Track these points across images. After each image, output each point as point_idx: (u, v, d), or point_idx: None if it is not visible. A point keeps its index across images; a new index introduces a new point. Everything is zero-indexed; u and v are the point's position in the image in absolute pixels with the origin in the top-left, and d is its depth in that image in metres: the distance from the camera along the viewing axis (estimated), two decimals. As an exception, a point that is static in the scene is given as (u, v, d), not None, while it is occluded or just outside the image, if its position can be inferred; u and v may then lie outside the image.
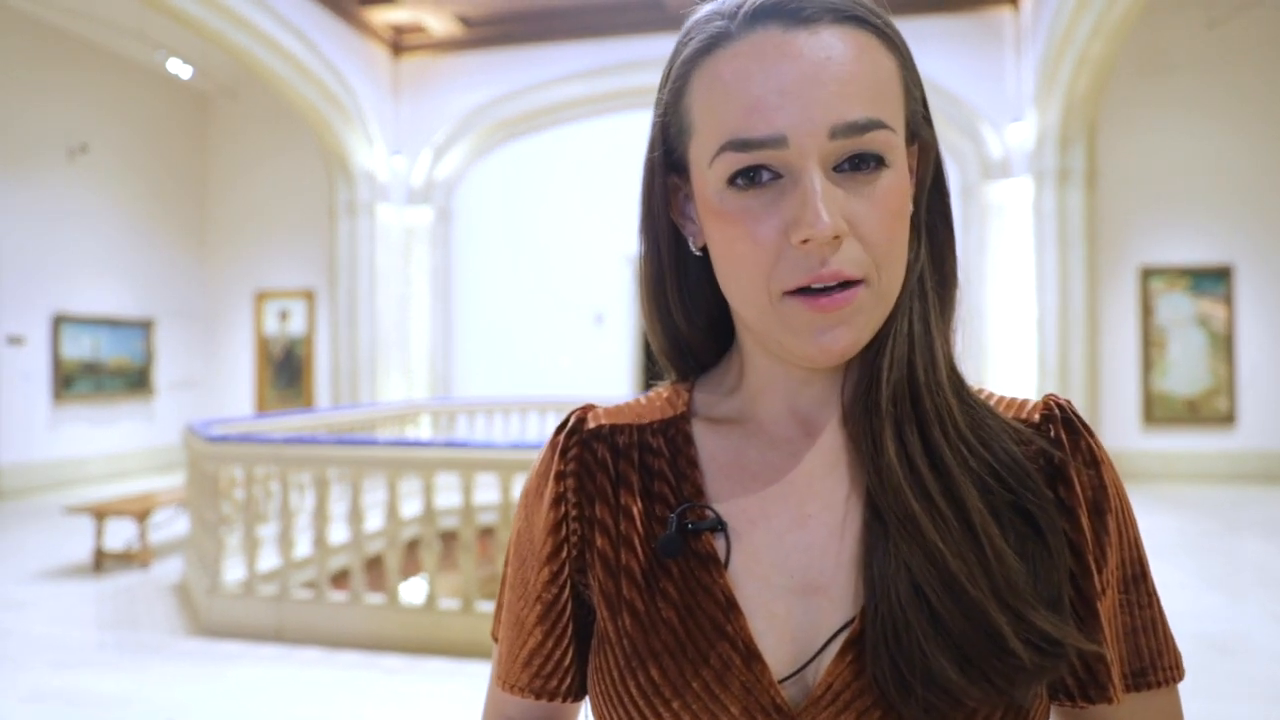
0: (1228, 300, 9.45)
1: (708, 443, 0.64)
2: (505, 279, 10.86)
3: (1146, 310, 9.56)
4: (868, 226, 0.54)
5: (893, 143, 0.55)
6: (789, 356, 0.58)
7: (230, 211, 12.24)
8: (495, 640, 0.70)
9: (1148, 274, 9.55)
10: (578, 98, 10.45)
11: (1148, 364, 9.56)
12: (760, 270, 0.55)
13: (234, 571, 4.87)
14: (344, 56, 9.85)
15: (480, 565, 4.38)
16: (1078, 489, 0.59)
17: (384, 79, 10.66)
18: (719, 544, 0.60)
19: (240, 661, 4.23)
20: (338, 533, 5.46)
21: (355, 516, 4.56)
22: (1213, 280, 9.47)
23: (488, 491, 6.29)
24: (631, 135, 10.41)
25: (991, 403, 0.64)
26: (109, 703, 3.73)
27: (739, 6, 0.56)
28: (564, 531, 0.64)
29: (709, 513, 0.60)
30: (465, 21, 10.28)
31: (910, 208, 0.58)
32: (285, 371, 11.89)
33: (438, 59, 10.79)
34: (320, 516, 4.60)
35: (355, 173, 10.35)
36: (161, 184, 11.56)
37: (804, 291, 0.54)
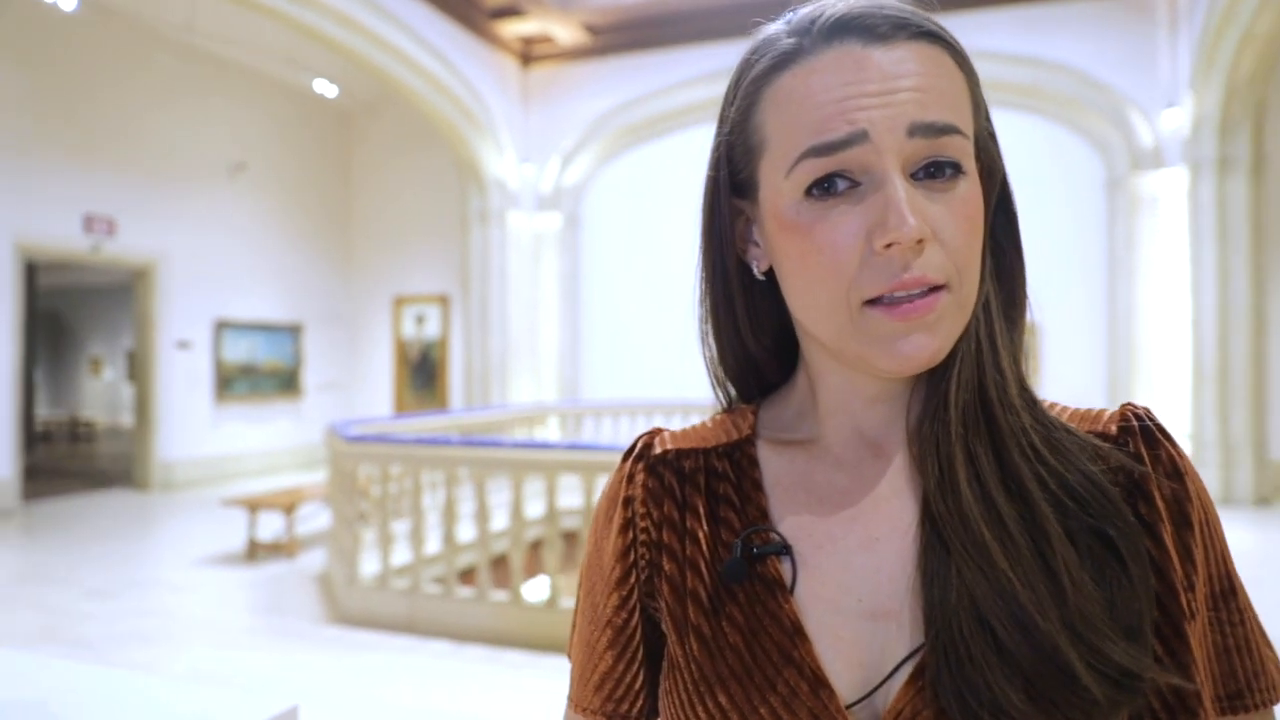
0: None
1: (773, 465, 0.64)
2: (631, 283, 10.98)
3: (1323, 309, 8.71)
4: (948, 232, 0.53)
5: (967, 150, 0.54)
6: (868, 369, 0.56)
7: (371, 221, 12.91)
8: (570, 659, 0.71)
9: (1324, 269, 8.70)
10: (701, 101, 10.45)
11: (1324, 367, 8.71)
12: (841, 279, 0.54)
13: (370, 565, 5.12)
14: (476, 69, 10.23)
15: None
16: (1159, 504, 0.56)
17: (514, 89, 10.99)
18: (785, 568, 0.59)
19: (374, 650, 4.45)
20: (465, 531, 5.66)
21: (481, 515, 4.71)
22: (1403, 275, 8.54)
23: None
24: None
25: (1064, 417, 0.61)
26: (255, 682, 4.00)
27: (812, 24, 0.56)
28: (632, 557, 0.64)
29: (774, 536, 0.60)
30: (591, 30, 10.47)
31: (984, 218, 0.56)
32: (421, 373, 12.43)
33: (565, 68, 11.04)
34: (449, 515, 4.78)
35: (487, 181, 10.71)
36: (309, 197, 12.33)
37: (884, 301, 0.53)
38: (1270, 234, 8.39)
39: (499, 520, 5.79)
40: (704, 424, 0.70)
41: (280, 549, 6.55)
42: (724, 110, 0.62)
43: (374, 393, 12.81)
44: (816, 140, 0.53)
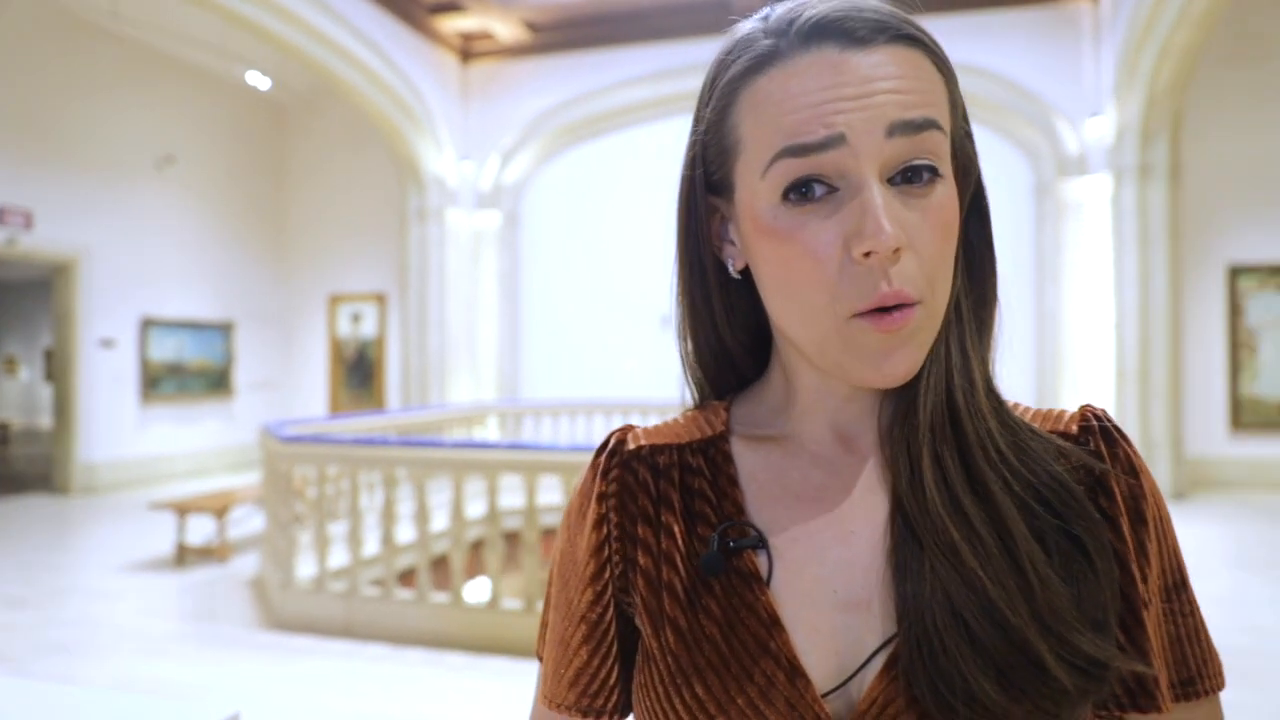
0: (1324, 300, 8.97)
1: (747, 461, 0.64)
2: (571, 282, 10.96)
3: (1235, 310, 9.14)
4: (923, 240, 0.53)
5: (944, 149, 0.55)
6: (845, 377, 0.57)
7: (305, 218, 12.63)
8: (540, 659, 0.71)
9: (1236, 272, 9.13)
10: (643, 101, 10.48)
11: (1236, 367, 9.14)
12: (824, 289, 0.54)
13: (306, 568, 5.02)
14: (415, 65, 10.08)
15: (543, 566, 4.42)
16: (1119, 499, 0.59)
17: (453, 86, 10.87)
18: (761, 561, 0.60)
19: (311, 655, 4.36)
20: (405, 532, 5.58)
21: (421, 516, 4.65)
22: (1308, 279, 9.00)
23: (551, 493, 6.35)
24: (696, 137, 10.41)
25: (1027, 418, 0.63)
26: (189, 691, 3.88)
27: (789, 25, 0.55)
28: (606, 552, 0.64)
29: (750, 530, 0.61)
30: (532, 27, 10.41)
31: (958, 223, 0.57)
32: (357, 373, 12.21)
33: (505, 65, 10.95)
34: (388, 516, 4.71)
35: (425, 178, 10.57)
36: (242, 192, 12.01)
37: (872, 312, 0.53)
38: (1187, 239, 8.77)
39: (439, 521, 5.72)
40: (676, 420, 0.70)
41: (211, 553, 6.37)
42: (699, 110, 0.62)
43: (308, 392, 12.54)
44: (792, 141, 0.53)
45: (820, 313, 0.54)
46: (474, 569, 5.81)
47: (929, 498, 0.56)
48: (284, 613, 4.82)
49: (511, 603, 4.49)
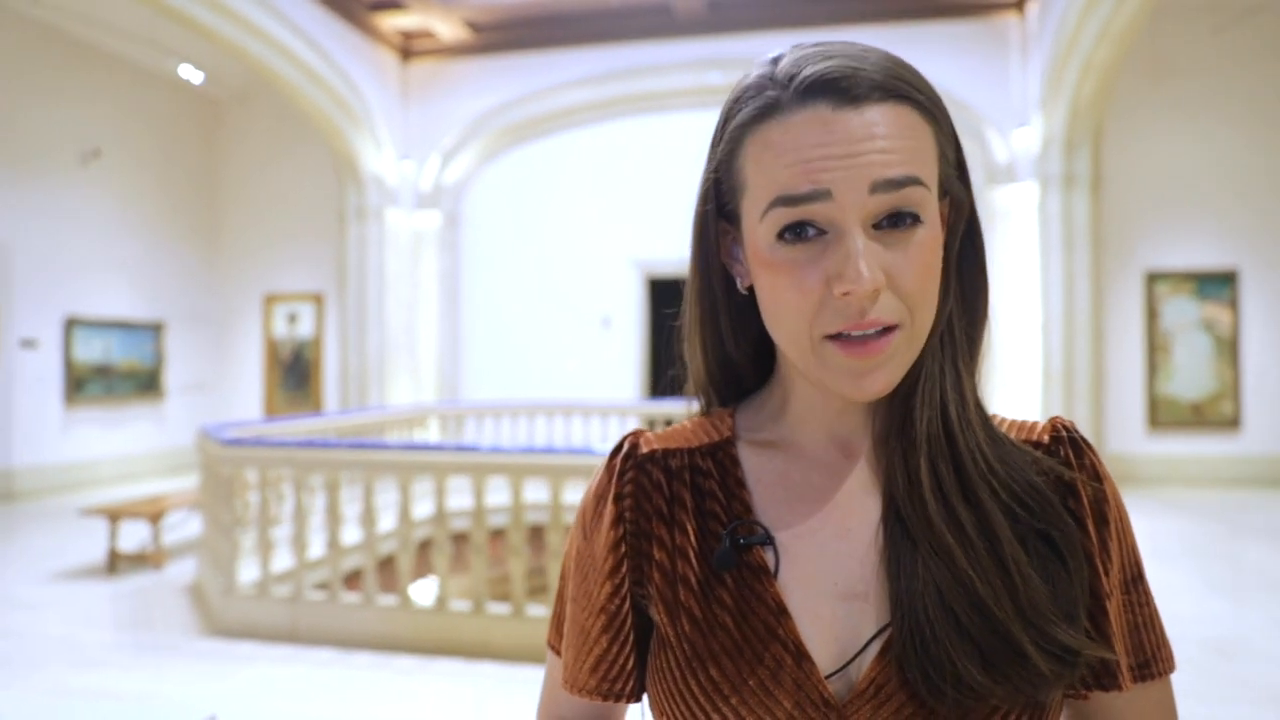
0: (1233, 304, 9.48)
1: (753, 464, 0.71)
2: (513, 283, 10.93)
3: (1152, 314, 9.59)
4: (903, 278, 0.59)
5: (926, 199, 0.60)
6: (828, 390, 0.64)
7: (240, 215, 12.34)
8: (551, 648, 0.78)
9: (1153, 278, 9.58)
10: (585, 103, 10.51)
11: (1153, 368, 9.59)
12: (804, 316, 0.61)
13: (248, 572, 4.94)
14: (353, 62, 9.94)
15: (491, 567, 4.44)
16: (1085, 502, 0.67)
17: (393, 84, 10.75)
18: (768, 556, 0.66)
19: (254, 662, 4.29)
20: (350, 534, 5.52)
21: (368, 519, 4.62)
22: (1218, 284, 9.50)
23: (498, 494, 6.35)
24: (638, 140, 10.48)
25: (1004, 428, 0.71)
26: (128, 701, 3.79)
27: (790, 80, 0.60)
28: (623, 549, 0.70)
29: (758, 528, 0.67)
30: (473, 27, 10.35)
31: (941, 258, 0.63)
32: (294, 374, 11.97)
33: (446, 64, 10.87)
34: (333, 518, 4.67)
35: (364, 177, 10.43)
36: (172, 188, 11.67)
37: (841, 338, 0.60)
38: (1108, 246, 9.17)
39: (386, 522, 5.68)
40: (684, 425, 0.76)
41: (146, 560, 6.20)
42: (712, 148, 0.68)
43: (243, 394, 12.24)
44: (784, 192, 0.59)
45: (800, 335, 0.61)
46: (421, 570, 5.78)
47: (927, 504, 0.63)
48: (225, 619, 4.74)
49: (460, 604, 4.48)
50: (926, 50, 9.20)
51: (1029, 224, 9.00)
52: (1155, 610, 0.70)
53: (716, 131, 0.67)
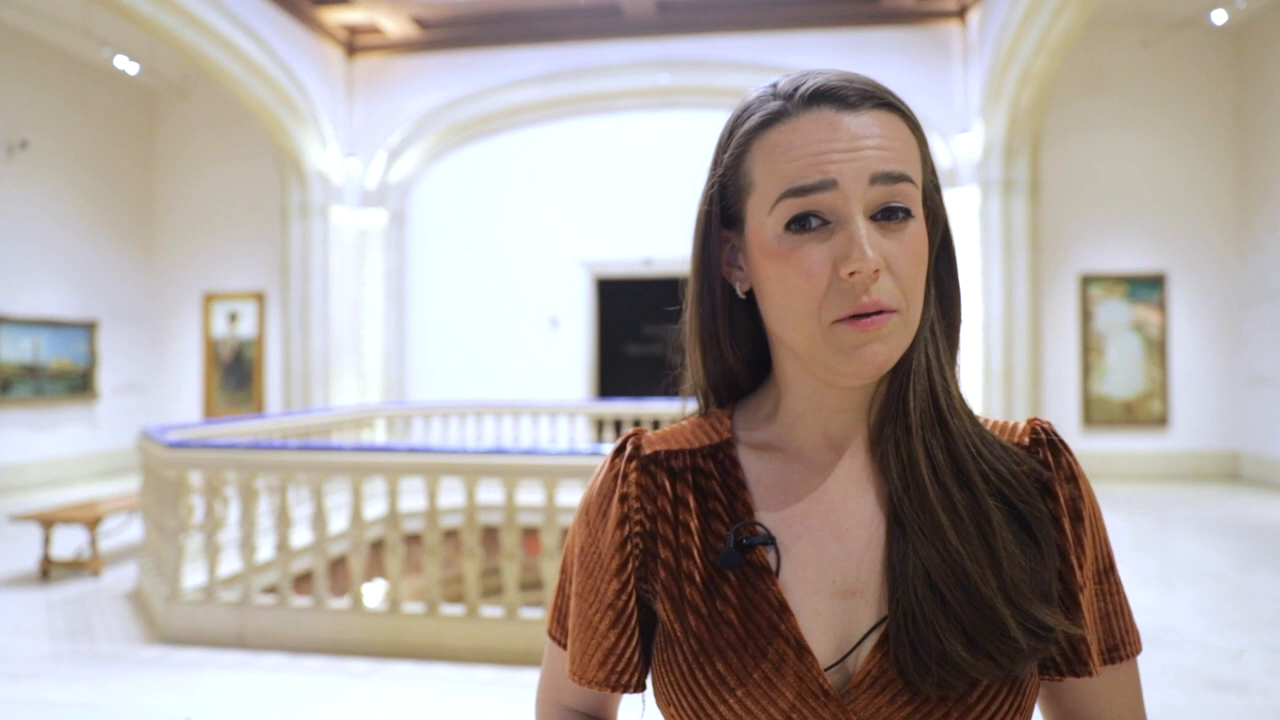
0: (1161, 306, 9.86)
1: (752, 466, 0.75)
2: (460, 283, 10.83)
3: (1086, 316, 9.93)
4: (899, 263, 0.65)
5: (916, 198, 0.67)
6: (831, 375, 0.67)
7: (178, 211, 12.00)
8: (552, 638, 0.82)
9: (1087, 281, 9.92)
10: (533, 102, 10.47)
11: (1087, 368, 9.93)
12: (813, 299, 0.65)
13: (194, 578, 4.82)
14: (297, 56, 9.75)
15: (445, 568, 4.40)
16: (1061, 501, 0.72)
17: (338, 80, 10.57)
18: (770, 556, 0.70)
19: (202, 669, 4.19)
20: (299, 535, 5.43)
21: (320, 522, 4.54)
22: (1148, 287, 9.88)
23: (451, 495, 6.30)
24: (587, 141, 10.48)
25: (987, 427, 0.75)
26: (71, 711, 3.67)
27: (795, 91, 0.68)
28: (629, 548, 0.74)
29: (760, 529, 0.71)
30: (420, 23, 10.24)
31: (928, 254, 0.69)
32: (234, 375, 11.70)
33: (392, 60, 10.73)
34: (283, 521, 4.58)
35: (308, 174, 10.24)
36: (106, 182, 11.30)
37: (848, 319, 0.65)
38: (1045, 249, 9.47)
39: (337, 522, 5.59)
40: (682, 426, 0.79)
41: (83, 566, 5.99)
42: (717, 155, 0.73)
43: (181, 395, 11.91)
44: (794, 184, 0.65)
45: (809, 319, 0.66)
46: (372, 572, 5.70)
47: (924, 485, 0.68)
48: (170, 626, 4.61)
49: (412, 606, 4.44)
50: (872, 56, 9.38)
51: (970, 228, 9.23)
52: (1124, 598, 0.75)
53: (722, 140, 0.72)
